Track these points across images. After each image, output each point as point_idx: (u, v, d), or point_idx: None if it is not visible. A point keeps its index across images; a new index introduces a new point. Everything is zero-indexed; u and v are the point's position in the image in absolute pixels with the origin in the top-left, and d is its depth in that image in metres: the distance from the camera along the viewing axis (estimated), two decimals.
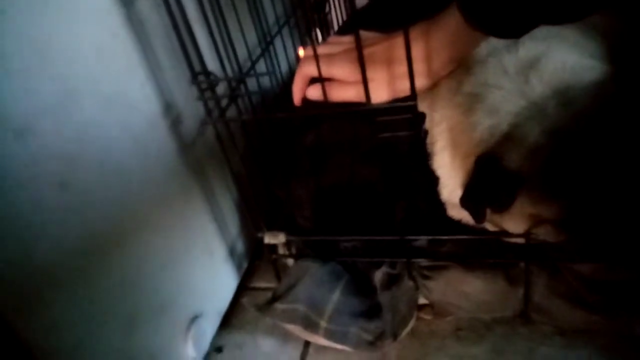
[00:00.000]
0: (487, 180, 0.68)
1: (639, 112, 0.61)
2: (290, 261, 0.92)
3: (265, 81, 0.77)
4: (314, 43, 0.65)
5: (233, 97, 0.68)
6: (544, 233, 0.70)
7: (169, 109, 0.72)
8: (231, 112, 0.74)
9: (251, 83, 0.76)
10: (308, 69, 0.71)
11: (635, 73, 0.66)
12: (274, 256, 0.90)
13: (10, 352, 0.52)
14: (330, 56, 0.69)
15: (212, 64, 0.69)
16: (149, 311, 0.69)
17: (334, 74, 0.68)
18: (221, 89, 0.71)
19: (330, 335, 0.79)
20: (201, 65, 0.67)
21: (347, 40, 0.74)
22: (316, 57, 0.63)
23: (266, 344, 0.89)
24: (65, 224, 0.56)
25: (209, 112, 0.70)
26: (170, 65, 0.73)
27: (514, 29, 0.59)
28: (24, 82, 0.52)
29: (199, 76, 0.67)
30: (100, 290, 0.61)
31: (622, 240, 0.65)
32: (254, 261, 1.04)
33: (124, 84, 0.66)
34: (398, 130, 0.67)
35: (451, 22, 0.62)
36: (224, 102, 0.71)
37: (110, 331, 0.62)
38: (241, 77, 0.68)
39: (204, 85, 0.67)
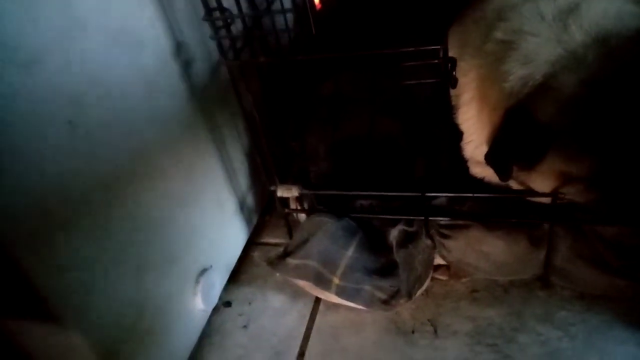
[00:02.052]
0: (517, 134, 0.64)
1: None
2: (302, 216, 0.89)
3: (282, 23, 0.72)
4: None
5: (249, 36, 0.64)
6: (573, 192, 0.66)
7: (180, 48, 0.68)
8: (245, 56, 0.69)
9: (266, 26, 0.71)
10: None
11: None
12: (286, 210, 0.87)
13: (18, 291, 0.50)
14: None
15: (226, 1, 0.65)
16: (158, 260, 0.67)
17: None
18: (235, 29, 0.67)
19: (342, 292, 0.77)
20: (216, 1, 0.62)
21: None
22: None
23: (276, 300, 0.87)
24: (74, 164, 0.53)
25: (222, 52, 0.66)
26: (183, 0, 0.68)
27: None
28: (30, 11, 0.48)
29: (214, 12, 0.62)
30: (110, 234, 0.58)
31: None
32: (264, 216, 1.01)
33: (133, 19, 0.61)
34: (422, 79, 0.63)
35: None
36: (239, 43, 0.67)
37: (119, 276, 0.60)
38: (258, 15, 0.63)
39: (218, 23, 0.63)
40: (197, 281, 0.75)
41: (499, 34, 0.68)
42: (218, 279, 0.82)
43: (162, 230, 0.67)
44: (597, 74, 0.58)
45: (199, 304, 0.75)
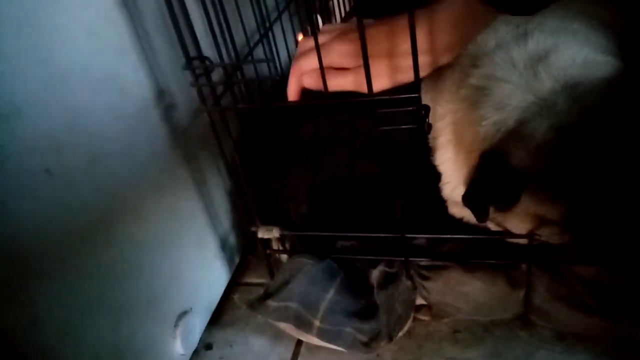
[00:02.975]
0: (492, 177, 0.65)
1: None
2: (284, 257, 0.89)
3: (263, 69, 0.74)
4: (315, 30, 0.62)
5: (229, 84, 0.65)
6: (547, 234, 0.68)
7: (161, 95, 0.69)
8: (226, 100, 0.71)
9: (248, 71, 0.73)
10: (303, 64, 0.67)
11: None
12: (267, 251, 0.87)
13: None
14: (325, 44, 0.65)
15: (208, 50, 0.66)
16: (137, 304, 0.66)
17: (331, 61, 0.65)
18: (216, 75, 0.68)
19: (323, 334, 0.76)
20: (196, 50, 0.64)
21: (341, 26, 0.71)
22: (317, 45, 0.60)
23: (257, 342, 0.87)
24: (51, 212, 0.53)
25: (203, 99, 0.67)
26: (164, 49, 0.70)
27: (529, 4, 0.55)
28: (12, 64, 0.49)
29: (194, 61, 0.63)
30: (86, 281, 0.58)
31: (628, 244, 0.62)
32: (246, 256, 1.01)
33: (115, 67, 0.63)
34: (399, 124, 0.64)
35: (456, 2, 0.59)
36: (219, 90, 0.68)
37: (96, 324, 0.60)
38: (238, 64, 0.65)
39: (199, 71, 0.64)
40: (176, 324, 0.75)
41: (473, 80, 0.70)
42: (198, 322, 0.81)
43: (140, 273, 0.67)
44: (566, 120, 0.60)
45: (178, 348, 0.75)
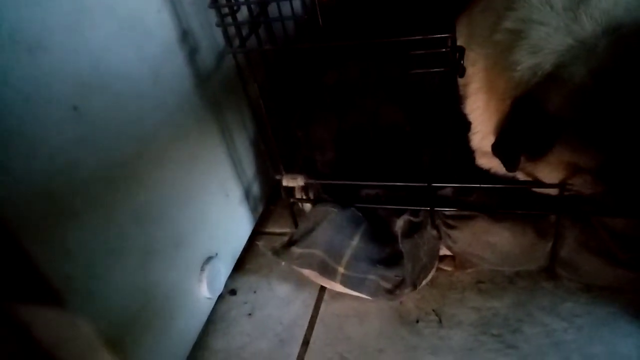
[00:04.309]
0: (525, 125, 0.63)
1: None
2: (307, 206, 0.89)
3: (287, 10, 0.72)
4: None
5: (254, 23, 0.63)
6: (580, 184, 0.66)
7: (185, 37, 0.68)
8: (250, 43, 0.69)
9: (273, 13, 0.71)
10: None
11: None
12: (291, 200, 0.86)
13: (25, 277, 0.50)
14: None
15: None
16: (164, 247, 0.67)
17: None
18: (241, 17, 0.66)
19: (347, 281, 0.77)
20: None
21: None
22: None
23: (281, 289, 0.88)
24: (80, 150, 0.53)
25: (228, 40, 0.66)
26: None
27: None
28: None
29: (220, 0, 0.61)
30: (115, 221, 0.59)
31: None
32: (269, 205, 1.01)
33: (139, 6, 0.61)
34: (430, 68, 0.62)
35: None
36: (244, 31, 0.66)
37: (124, 263, 0.60)
38: (264, 2, 0.63)
39: (224, 10, 0.62)
40: (202, 269, 0.76)
41: (507, 23, 0.67)
42: (223, 267, 0.82)
43: (167, 217, 0.68)
44: (607, 65, 0.58)
45: (205, 291, 0.76)
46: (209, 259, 0.77)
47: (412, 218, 0.79)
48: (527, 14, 0.66)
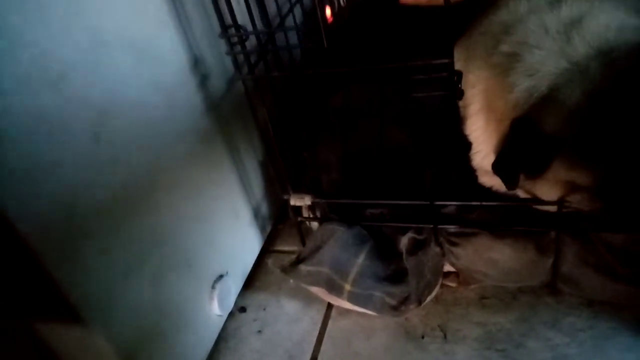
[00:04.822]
0: (523, 144, 0.66)
1: None
2: (314, 225, 0.92)
3: (294, 39, 0.75)
4: None
5: (263, 52, 0.67)
6: (578, 201, 0.68)
7: (197, 64, 0.71)
8: (259, 70, 0.72)
9: (280, 42, 0.74)
10: None
11: None
12: (299, 218, 0.89)
13: (46, 295, 0.53)
14: None
15: (241, 19, 0.68)
16: (176, 266, 0.70)
17: None
18: (249, 46, 0.70)
19: (354, 298, 0.79)
20: (231, 18, 0.65)
21: None
22: None
23: (289, 306, 0.90)
24: (99, 174, 0.56)
25: (237, 67, 0.69)
26: (200, 19, 0.71)
27: None
28: (59, 31, 0.51)
29: (229, 30, 0.65)
30: (131, 241, 0.61)
31: None
32: (277, 224, 1.04)
33: (154, 37, 0.65)
34: (430, 91, 0.65)
35: None
36: (253, 58, 0.70)
37: (139, 281, 0.63)
38: (271, 31, 0.66)
39: (233, 40, 0.66)
40: (213, 287, 0.78)
41: (504, 47, 0.70)
42: (234, 285, 0.84)
43: (180, 237, 0.70)
44: (600, 85, 0.60)
45: (216, 309, 0.78)
46: (220, 277, 0.80)
47: (416, 236, 0.81)
48: (523, 38, 0.68)
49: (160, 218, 0.67)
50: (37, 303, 0.56)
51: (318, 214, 0.90)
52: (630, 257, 0.72)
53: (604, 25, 0.64)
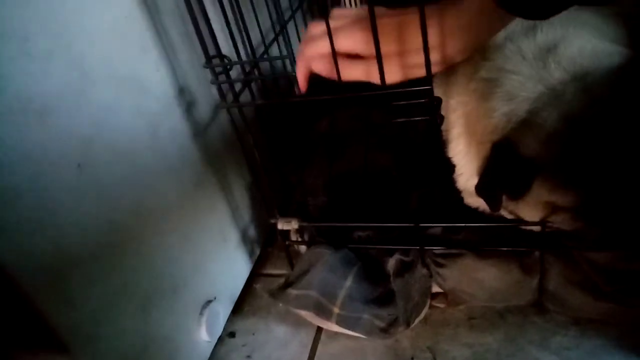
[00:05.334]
0: (503, 167, 0.67)
1: None
2: (302, 248, 0.92)
3: (279, 66, 0.77)
4: (326, 14, 0.61)
5: (247, 81, 0.68)
6: (559, 221, 0.69)
7: (182, 92, 0.72)
8: (244, 97, 0.73)
9: (264, 70, 0.75)
10: (310, 50, 0.64)
11: None
12: (286, 242, 0.89)
13: (30, 324, 0.53)
14: (335, 29, 0.61)
15: (225, 48, 0.69)
16: (164, 293, 0.70)
17: (342, 46, 0.62)
18: (234, 73, 0.71)
19: (342, 321, 0.79)
20: (215, 49, 0.66)
21: (353, 12, 0.67)
22: (328, 31, 0.59)
23: (278, 330, 0.90)
24: (83, 204, 0.57)
25: (222, 96, 0.70)
26: (184, 48, 0.73)
27: (545, 8, 0.54)
28: (42, 64, 0.52)
29: (213, 59, 0.66)
30: (116, 270, 0.62)
31: (638, 229, 0.63)
32: (266, 249, 1.04)
33: (137, 66, 0.66)
34: (412, 116, 0.66)
35: (470, 3, 0.58)
36: (238, 87, 0.71)
37: (126, 310, 0.63)
38: (255, 61, 0.67)
39: (218, 69, 0.67)
40: (201, 313, 0.78)
41: (483, 73, 0.71)
42: (222, 310, 0.84)
43: (167, 264, 0.71)
44: (576, 109, 0.62)
45: (204, 334, 0.78)
46: (208, 302, 0.80)
47: (403, 257, 0.81)
48: (500, 64, 0.70)
49: (148, 244, 0.67)
50: (20, 333, 0.56)
51: (306, 237, 0.90)
52: (613, 275, 0.73)
53: (578, 50, 0.66)
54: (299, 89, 0.71)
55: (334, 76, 0.62)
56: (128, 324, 0.64)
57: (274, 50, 0.81)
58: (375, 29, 0.55)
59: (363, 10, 0.68)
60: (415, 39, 0.57)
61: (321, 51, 0.63)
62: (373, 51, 0.57)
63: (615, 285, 0.73)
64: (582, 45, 0.66)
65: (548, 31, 0.69)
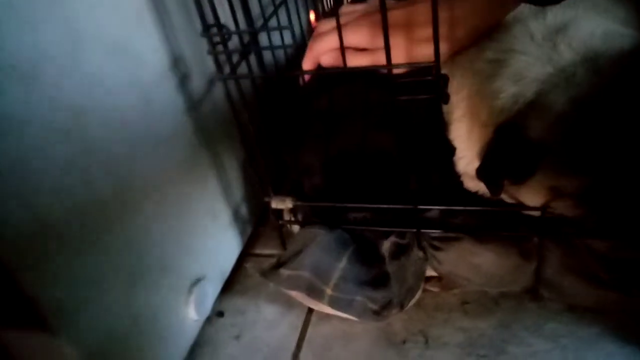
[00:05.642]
0: (507, 151, 0.65)
1: None
2: (295, 228, 0.90)
3: (277, 40, 0.74)
4: (337, 10, 0.62)
5: (245, 52, 0.65)
6: (562, 207, 0.67)
7: (177, 63, 0.69)
8: (241, 70, 0.70)
9: (263, 41, 0.73)
10: (321, 45, 0.67)
11: None
12: (280, 222, 0.87)
13: (11, 301, 0.50)
14: (343, 25, 0.64)
15: (223, 18, 0.66)
16: (151, 270, 0.67)
17: (349, 41, 0.65)
18: (231, 46, 0.68)
19: (335, 303, 0.77)
20: (214, 17, 0.63)
21: (361, 8, 0.70)
22: (338, 26, 0.59)
23: (268, 311, 0.88)
24: (69, 175, 0.53)
25: (219, 68, 0.67)
26: (180, 16, 0.69)
27: None
28: (30, 20, 0.49)
29: (211, 29, 0.63)
30: (103, 245, 0.59)
31: None
32: (257, 228, 1.02)
33: (130, 32, 0.62)
34: (417, 95, 0.64)
35: None
36: (235, 58, 0.68)
37: (112, 287, 0.61)
38: (254, 31, 0.64)
39: (215, 39, 0.64)
40: (190, 291, 0.76)
41: (489, 54, 0.69)
42: (211, 289, 0.82)
43: (155, 240, 0.68)
44: (586, 92, 0.60)
45: (192, 314, 0.76)
46: (197, 281, 0.78)
47: (398, 240, 0.80)
48: (508, 45, 0.68)
49: (135, 220, 0.64)
50: (3, 311, 0.53)
51: (300, 217, 0.88)
52: (613, 263, 0.72)
53: (589, 32, 0.64)
54: (303, 81, 0.71)
55: (341, 64, 0.63)
56: (114, 301, 0.61)
57: (273, 25, 0.78)
58: (385, 21, 0.54)
59: (369, 5, 0.74)
60: (423, 30, 0.58)
61: (330, 46, 0.67)
62: (380, 45, 0.57)
63: (614, 273, 0.72)
64: (593, 27, 0.64)
65: (558, 12, 0.67)
